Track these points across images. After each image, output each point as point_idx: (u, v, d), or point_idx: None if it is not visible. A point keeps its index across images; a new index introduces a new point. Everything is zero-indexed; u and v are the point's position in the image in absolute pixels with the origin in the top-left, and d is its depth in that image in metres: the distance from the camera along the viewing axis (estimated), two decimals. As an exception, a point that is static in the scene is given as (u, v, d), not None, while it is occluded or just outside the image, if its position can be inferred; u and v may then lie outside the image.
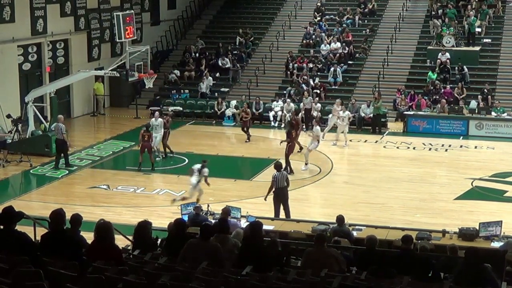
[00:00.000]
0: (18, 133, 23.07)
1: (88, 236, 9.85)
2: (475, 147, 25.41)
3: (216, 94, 30.95)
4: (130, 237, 12.18)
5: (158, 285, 7.30)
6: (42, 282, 6.84)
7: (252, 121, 28.79)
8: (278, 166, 17.20)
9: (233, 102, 29.47)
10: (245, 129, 25.93)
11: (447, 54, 30.34)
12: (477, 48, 31.12)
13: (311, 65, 31.48)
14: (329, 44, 32.43)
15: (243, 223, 14.24)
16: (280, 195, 16.81)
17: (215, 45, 33.65)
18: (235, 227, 13.17)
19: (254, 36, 34.27)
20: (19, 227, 7.97)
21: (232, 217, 14.60)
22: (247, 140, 25.68)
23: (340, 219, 13.82)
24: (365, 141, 26.04)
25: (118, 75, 24.71)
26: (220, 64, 32.44)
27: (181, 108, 29.89)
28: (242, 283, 7.90)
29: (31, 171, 21.84)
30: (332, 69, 30.99)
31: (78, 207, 17.41)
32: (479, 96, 28.39)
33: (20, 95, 25.77)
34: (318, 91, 29.88)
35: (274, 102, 29.18)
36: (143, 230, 10.40)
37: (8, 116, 23.24)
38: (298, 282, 8.26)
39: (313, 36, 33.27)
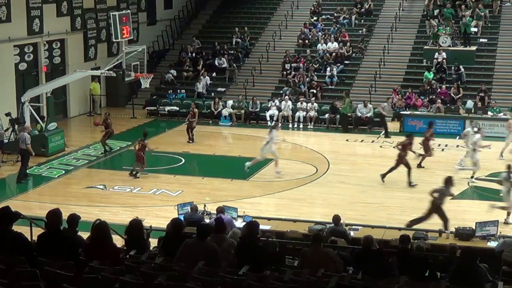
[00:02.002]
0: (14, 133, 23.03)
1: (84, 236, 9.86)
2: (471, 146, 25.37)
3: (212, 94, 30.90)
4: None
5: (155, 285, 7.27)
6: (39, 282, 6.84)
7: (248, 121, 28.83)
8: (448, 182, 16.48)
9: (230, 102, 29.46)
10: (189, 130, 25.67)
11: (444, 54, 30.37)
12: (473, 48, 31.14)
13: (307, 64, 31.46)
14: (326, 43, 32.45)
15: (240, 223, 14.26)
16: (438, 207, 16.41)
17: (211, 44, 33.63)
18: (229, 223, 13.20)
19: (251, 36, 34.25)
20: (15, 227, 7.96)
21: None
22: (190, 142, 25.41)
23: (336, 218, 13.82)
24: (362, 140, 26.07)
25: (115, 75, 24.66)
26: (217, 64, 32.39)
27: (177, 108, 29.86)
28: (239, 283, 7.87)
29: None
30: (328, 68, 30.99)
31: (74, 207, 17.37)
32: (477, 97, 28.37)
33: (16, 95, 25.71)
34: (315, 91, 29.90)
35: (271, 102, 29.14)
36: (134, 228, 10.24)
37: (8, 114, 23.20)
38: (295, 282, 8.23)
39: (310, 36, 33.28)
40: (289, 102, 28.72)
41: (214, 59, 32.57)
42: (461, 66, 29.85)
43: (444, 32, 31.11)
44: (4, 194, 20.32)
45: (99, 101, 30.83)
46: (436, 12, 32.80)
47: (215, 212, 14.70)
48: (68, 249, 8.03)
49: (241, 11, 36.61)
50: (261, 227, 14.17)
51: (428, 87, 29.34)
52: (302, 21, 34.49)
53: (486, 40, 31.85)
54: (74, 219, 9.20)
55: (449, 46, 30.73)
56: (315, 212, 17.90)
